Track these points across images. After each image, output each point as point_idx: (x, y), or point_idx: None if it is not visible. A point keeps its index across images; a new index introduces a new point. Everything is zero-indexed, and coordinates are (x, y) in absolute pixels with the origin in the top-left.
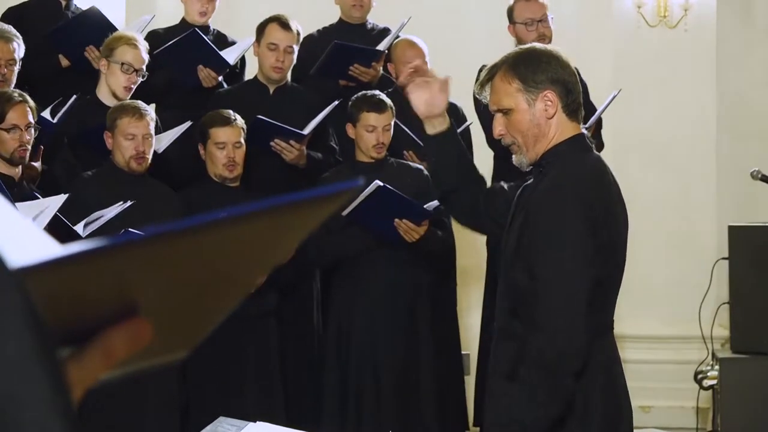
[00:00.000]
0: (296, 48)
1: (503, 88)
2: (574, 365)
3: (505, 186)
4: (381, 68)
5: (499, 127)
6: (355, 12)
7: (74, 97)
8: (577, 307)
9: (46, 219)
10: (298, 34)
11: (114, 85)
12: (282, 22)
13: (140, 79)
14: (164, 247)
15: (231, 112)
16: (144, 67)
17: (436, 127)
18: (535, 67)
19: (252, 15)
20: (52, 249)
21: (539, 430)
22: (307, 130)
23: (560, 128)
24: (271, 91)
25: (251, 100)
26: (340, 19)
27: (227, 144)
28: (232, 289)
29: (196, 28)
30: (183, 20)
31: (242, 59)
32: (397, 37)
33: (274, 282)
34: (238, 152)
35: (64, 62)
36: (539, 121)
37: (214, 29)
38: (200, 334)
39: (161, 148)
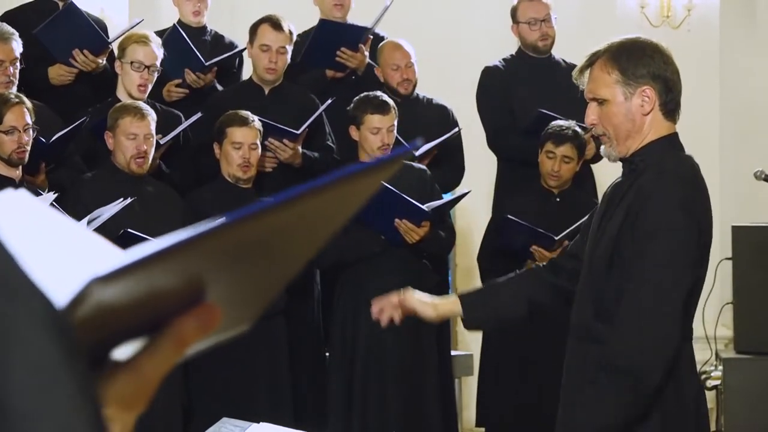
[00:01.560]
0: (290, 48)
1: (601, 77)
2: (660, 375)
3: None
4: (368, 53)
5: (592, 115)
6: (336, 11)
7: (76, 123)
8: (674, 313)
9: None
10: (291, 34)
11: (128, 85)
12: (274, 23)
13: (155, 76)
14: (231, 235)
15: (249, 113)
16: (158, 63)
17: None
18: (637, 59)
19: (255, 18)
20: (119, 255)
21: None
22: (300, 129)
23: (654, 126)
24: (267, 92)
25: (247, 101)
26: (321, 20)
27: (243, 144)
28: (290, 263)
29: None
30: (179, 21)
31: (240, 60)
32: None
33: None
34: (253, 153)
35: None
36: (634, 117)
37: (211, 30)
38: (262, 307)
39: (164, 140)
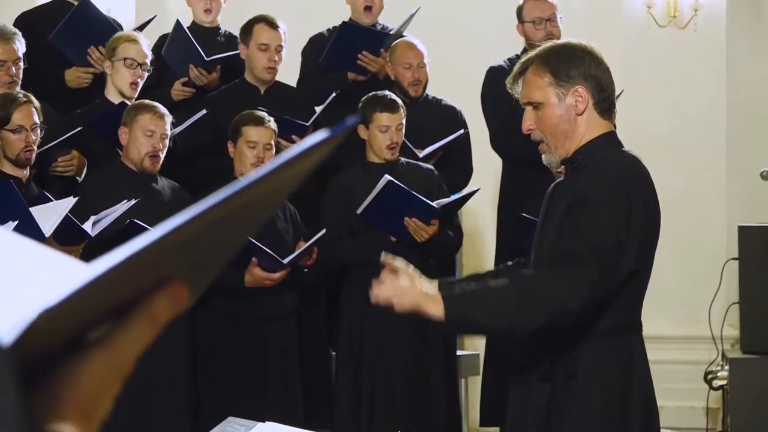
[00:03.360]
0: (285, 46)
1: (534, 81)
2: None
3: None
4: (389, 58)
5: (528, 121)
6: (365, 17)
7: (72, 133)
8: (609, 246)
9: (57, 222)
10: (284, 33)
11: (120, 83)
12: (269, 22)
13: (146, 74)
14: (194, 226)
15: (265, 113)
16: (148, 62)
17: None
18: (568, 61)
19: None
20: (76, 275)
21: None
22: (309, 121)
23: (591, 126)
24: (262, 92)
25: (243, 101)
26: (350, 20)
27: (258, 144)
28: (242, 233)
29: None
30: (193, 23)
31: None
32: (406, 25)
33: (295, 283)
34: (267, 153)
35: (69, 77)
36: (569, 117)
37: (225, 30)
38: (211, 277)
39: (169, 136)
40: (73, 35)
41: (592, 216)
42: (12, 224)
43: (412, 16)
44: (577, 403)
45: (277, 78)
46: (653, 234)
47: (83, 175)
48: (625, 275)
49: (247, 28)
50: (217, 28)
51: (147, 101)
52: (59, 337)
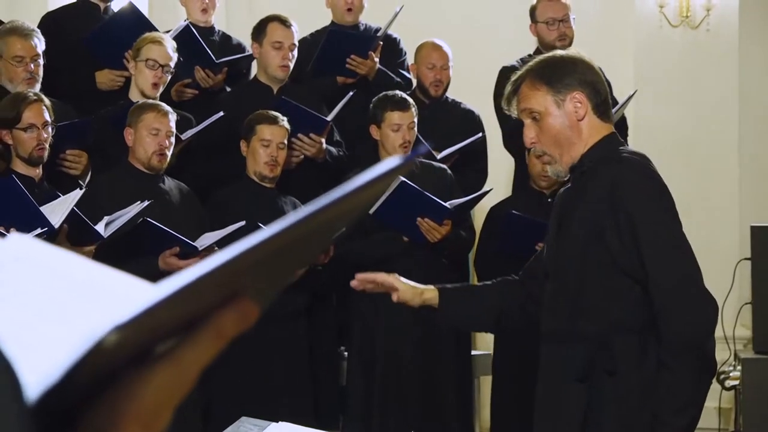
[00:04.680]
0: (297, 45)
1: (531, 94)
2: (713, 339)
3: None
4: (378, 59)
5: (530, 134)
6: (348, 16)
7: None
8: (694, 267)
9: (65, 213)
10: (296, 32)
11: (142, 83)
12: (282, 21)
13: (168, 76)
14: (266, 248)
15: (278, 113)
16: (171, 65)
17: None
18: (560, 70)
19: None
20: (144, 294)
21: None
22: (330, 117)
23: (593, 130)
24: (275, 92)
25: (256, 101)
26: (332, 22)
27: (272, 142)
28: (307, 257)
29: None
30: (186, 22)
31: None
32: (391, 24)
33: (306, 283)
34: (281, 153)
35: (101, 79)
36: (571, 123)
37: (219, 30)
38: (277, 293)
39: (186, 135)
40: (110, 38)
41: (670, 249)
42: (39, 231)
43: (396, 14)
44: (616, 400)
45: None
46: None
47: (87, 179)
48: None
49: (261, 27)
50: (212, 27)
51: (150, 101)
52: (127, 353)
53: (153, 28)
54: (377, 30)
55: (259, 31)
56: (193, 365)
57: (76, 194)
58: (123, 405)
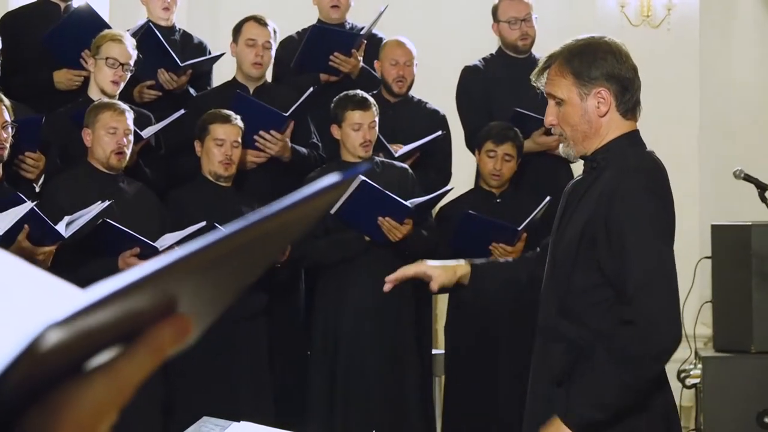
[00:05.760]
0: (274, 45)
1: (557, 80)
2: (667, 358)
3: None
4: (361, 57)
5: (551, 116)
6: (333, 13)
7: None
8: (674, 295)
9: (6, 227)
10: (275, 32)
11: (102, 81)
12: (258, 19)
13: (128, 74)
14: (201, 257)
15: (232, 112)
16: (131, 63)
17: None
18: (590, 62)
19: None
20: (79, 295)
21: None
22: (288, 113)
23: (613, 126)
24: (252, 91)
25: (232, 100)
26: (319, 20)
27: (226, 141)
28: (252, 271)
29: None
30: (149, 21)
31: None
32: (374, 25)
33: (264, 282)
34: (235, 151)
35: (59, 78)
36: (590, 118)
37: (180, 29)
38: (219, 313)
39: (147, 133)
40: (67, 37)
41: (648, 253)
42: None
43: (381, 14)
44: None
45: None
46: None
47: (40, 182)
48: None
49: (238, 27)
50: (173, 27)
51: (107, 100)
52: (64, 358)
53: (108, 28)
54: (362, 29)
55: (236, 31)
56: (129, 378)
57: (24, 208)
58: (59, 413)
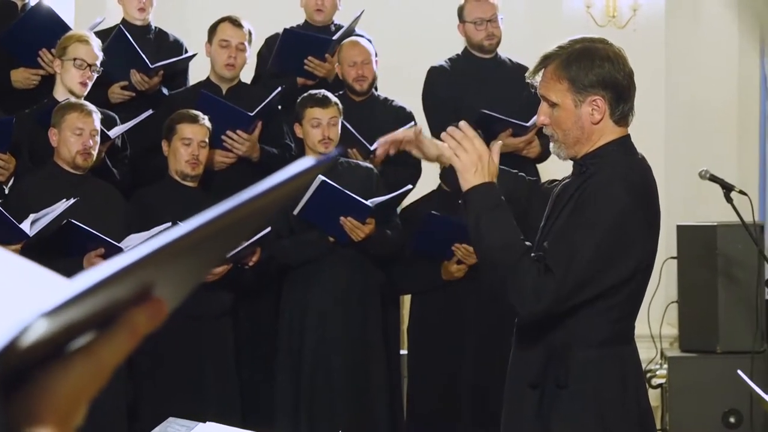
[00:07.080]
0: (248, 47)
1: (551, 84)
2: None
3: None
4: (337, 62)
5: (543, 115)
6: (317, 15)
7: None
8: (574, 278)
9: None
10: (250, 33)
11: (69, 82)
12: (233, 20)
13: (95, 75)
14: (180, 245)
15: (199, 112)
16: (98, 63)
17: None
18: (587, 68)
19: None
20: (65, 285)
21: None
22: (254, 111)
23: (605, 133)
24: (224, 91)
25: (197, 100)
26: (306, 21)
27: (193, 141)
28: (219, 255)
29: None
30: (123, 20)
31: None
32: (352, 30)
33: (230, 282)
34: (202, 151)
35: (17, 77)
36: (583, 124)
37: (155, 27)
38: (187, 293)
39: (114, 132)
40: (24, 36)
41: (582, 230)
42: None
43: (357, 18)
44: (565, 414)
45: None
46: (653, 250)
47: (10, 183)
48: (604, 289)
49: (213, 28)
50: (148, 25)
51: (74, 101)
52: (49, 346)
53: (66, 26)
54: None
55: (211, 31)
56: (107, 360)
57: None
58: (40, 397)
